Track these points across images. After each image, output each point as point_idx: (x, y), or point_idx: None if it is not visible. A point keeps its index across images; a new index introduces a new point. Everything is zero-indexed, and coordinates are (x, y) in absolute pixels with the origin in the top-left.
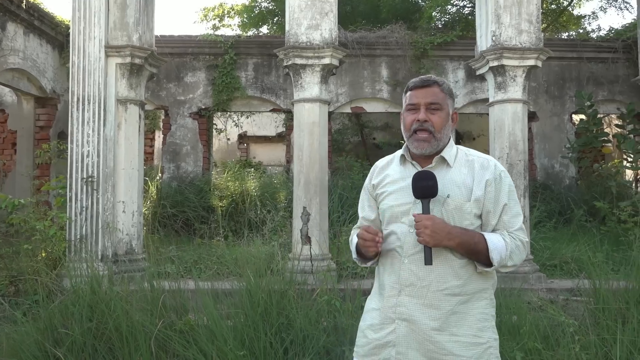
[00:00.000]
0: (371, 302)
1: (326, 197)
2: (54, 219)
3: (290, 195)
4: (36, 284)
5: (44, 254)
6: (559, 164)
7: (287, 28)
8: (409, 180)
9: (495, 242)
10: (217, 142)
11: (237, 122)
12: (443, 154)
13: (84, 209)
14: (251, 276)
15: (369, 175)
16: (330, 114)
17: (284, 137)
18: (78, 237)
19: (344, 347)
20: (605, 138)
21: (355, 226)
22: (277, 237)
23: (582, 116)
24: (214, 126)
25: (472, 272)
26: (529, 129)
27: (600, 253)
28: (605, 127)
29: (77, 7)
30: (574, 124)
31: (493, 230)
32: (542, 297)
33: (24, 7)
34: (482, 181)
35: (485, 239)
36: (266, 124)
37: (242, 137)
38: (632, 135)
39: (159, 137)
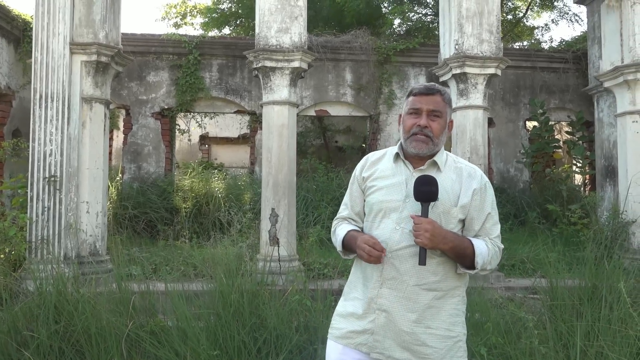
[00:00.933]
0: (353, 291)
1: (294, 199)
2: (14, 219)
3: (256, 196)
4: None
5: (2, 256)
6: (514, 168)
7: (257, 31)
8: (400, 178)
9: (481, 248)
10: (178, 143)
11: (200, 123)
12: (435, 158)
13: (46, 209)
14: (223, 277)
15: (359, 167)
16: None
17: (247, 139)
18: (39, 238)
19: (316, 345)
20: (557, 144)
21: (338, 216)
22: (245, 239)
23: (536, 123)
24: (177, 127)
25: (449, 270)
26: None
27: (554, 253)
28: (556, 133)
29: (40, 2)
30: (527, 130)
31: (475, 236)
32: (501, 295)
33: None
34: (469, 189)
35: (472, 245)
36: (229, 125)
37: (204, 138)
38: (581, 142)
39: (117, 136)
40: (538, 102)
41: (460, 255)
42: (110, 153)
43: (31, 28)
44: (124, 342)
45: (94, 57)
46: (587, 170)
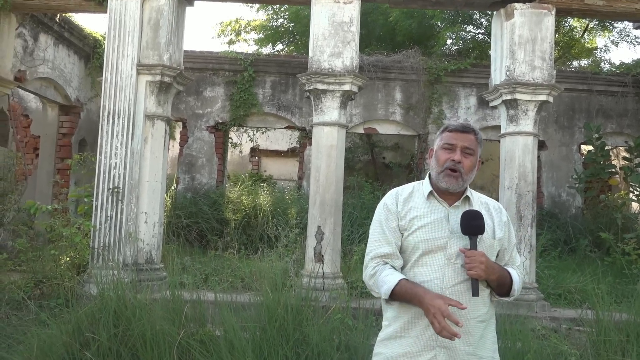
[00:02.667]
0: (399, 331)
1: (340, 218)
2: (79, 226)
3: (302, 211)
4: (60, 287)
5: (67, 259)
6: (566, 193)
7: (310, 54)
8: (438, 215)
9: (516, 277)
10: (229, 155)
11: (252, 136)
12: (467, 193)
13: (109, 218)
14: (269, 291)
15: (390, 202)
16: None
17: (295, 152)
18: (102, 245)
19: None
20: (613, 170)
21: (376, 254)
22: (290, 253)
23: (590, 147)
24: (230, 140)
25: (489, 300)
26: (538, 157)
27: (604, 284)
28: (613, 158)
29: (112, 26)
30: (582, 154)
31: (505, 265)
32: (545, 326)
33: (57, 20)
34: (501, 223)
35: (510, 274)
36: (278, 138)
37: (254, 151)
38: (639, 169)
39: (172, 146)
40: (594, 127)
41: (502, 284)
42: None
43: (100, 45)
44: (175, 349)
45: (157, 78)
46: None
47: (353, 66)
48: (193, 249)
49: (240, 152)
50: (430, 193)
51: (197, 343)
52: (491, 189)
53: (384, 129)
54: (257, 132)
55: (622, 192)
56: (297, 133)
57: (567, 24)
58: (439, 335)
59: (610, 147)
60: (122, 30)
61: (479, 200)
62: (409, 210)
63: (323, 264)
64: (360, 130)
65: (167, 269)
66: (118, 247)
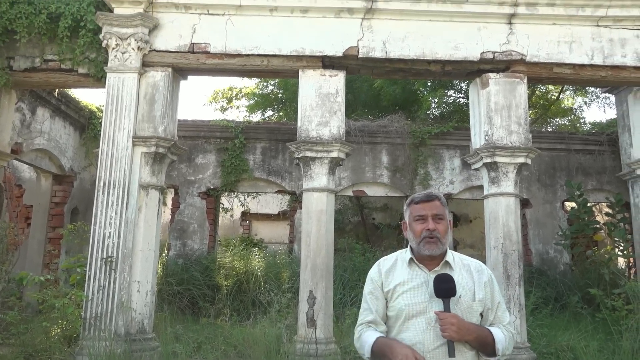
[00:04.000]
0: None
1: (331, 281)
2: (71, 297)
3: (294, 275)
4: None
5: (58, 331)
6: (553, 249)
7: (299, 124)
8: (419, 280)
9: (499, 336)
10: (220, 219)
11: (243, 201)
12: (447, 258)
13: (102, 287)
14: (262, 358)
15: (374, 274)
16: None
17: (286, 215)
18: (94, 315)
19: None
20: (597, 226)
21: (362, 322)
22: (283, 318)
23: (574, 204)
24: (221, 205)
25: None
26: (523, 215)
27: (595, 341)
28: (596, 214)
29: (110, 101)
30: (566, 211)
31: (490, 325)
32: None
33: (54, 94)
34: (481, 284)
35: (492, 333)
36: (269, 202)
37: (245, 214)
38: (622, 224)
39: (164, 212)
40: (575, 184)
41: (483, 344)
42: None
43: (95, 117)
44: None
45: (152, 149)
46: (630, 253)
47: (340, 134)
48: (185, 316)
49: (231, 216)
50: (411, 260)
51: None
52: (480, 247)
53: (372, 191)
54: (248, 196)
55: (608, 247)
56: (287, 197)
57: (542, 87)
58: None
59: (592, 204)
60: (119, 104)
61: (460, 263)
62: (392, 279)
63: (316, 329)
64: (349, 192)
65: (159, 338)
66: (110, 317)
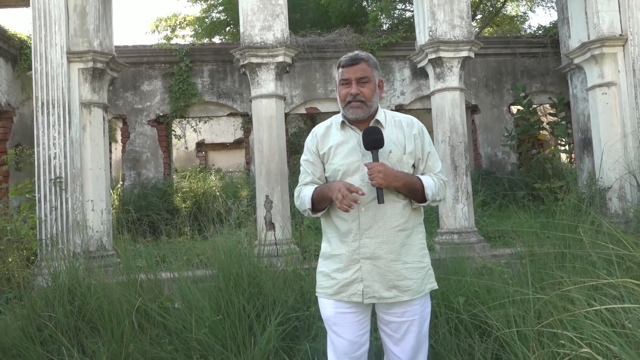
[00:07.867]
0: (331, 249)
1: (287, 186)
2: (24, 219)
3: (252, 192)
4: (9, 282)
5: (16, 253)
6: (501, 152)
7: (241, 30)
8: (353, 142)
9: (428, 182)
10: (175, 151)
11: (195, 128)
12: (377, 117)
13: (54, 208)
14: (222, 254)
15: (310, 140)
16: (286, 115)
17: (242, 143)
18: (49, 235)
19: (311, 309)
20: (540, 126)
21: (302, 183)
22: (243, 228)
23: (520, 107)
24: (173, 132)
25: (410, 210)
26: (472, 121)
27: (537, 224)
28: (540, 115)
29: (37, 16)
30: (512, 114)
31: (422, 174)
32: (485, 264)
33: None
34: (411, 136)
35: (420, 180)
36: (224, 130)
37: (201, 145)
38: (563, 122)
39: (115, 149)
40: (520, 87)
41: (412, 190)
42: (110, 165)
43: (27, 46)
44: (134, 315)
45: (90, 64)
46: (572, 149)
47: (284, 38)
48: (146, 239)
49: (186, 147)
50: (343, 122)
51: (156, 307)
52: None
53: (325, 107)
54: (200, 122)
55: (552, 147)
56: (240, 120)
57: None
58: (340, 203)
59: (536, 105)
60: (47, 18)
61: (392, 120)
62: (327, 142)
63: (275, 231)
64: (302, 110)
65: (121, 256)
66: (67, 237)
